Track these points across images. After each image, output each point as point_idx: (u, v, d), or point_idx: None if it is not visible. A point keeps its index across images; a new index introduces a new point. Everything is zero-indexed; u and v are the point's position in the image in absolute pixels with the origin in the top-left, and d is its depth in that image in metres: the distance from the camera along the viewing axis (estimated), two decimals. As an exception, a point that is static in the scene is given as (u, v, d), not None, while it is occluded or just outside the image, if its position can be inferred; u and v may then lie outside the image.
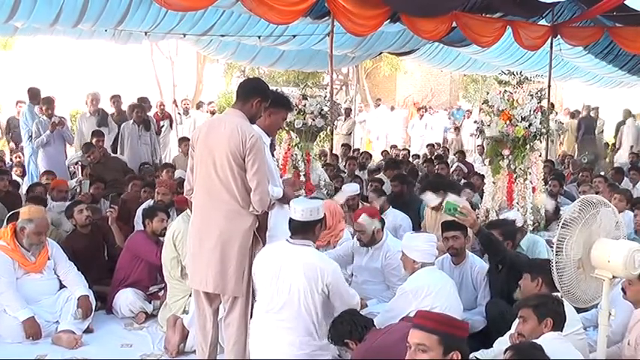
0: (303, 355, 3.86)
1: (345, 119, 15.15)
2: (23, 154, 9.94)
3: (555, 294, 3.63)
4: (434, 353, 2.85)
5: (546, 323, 3.44)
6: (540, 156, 6.74)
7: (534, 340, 3.30)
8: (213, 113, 13.31)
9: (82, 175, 8.52)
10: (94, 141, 9.01)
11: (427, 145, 14.59)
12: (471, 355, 3.99)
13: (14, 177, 9.13)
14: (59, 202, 6.97)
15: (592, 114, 15.45)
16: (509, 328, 3.96)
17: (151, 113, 11.18)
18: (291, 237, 3.97)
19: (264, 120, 4.26)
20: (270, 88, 4.35)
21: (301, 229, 3.94)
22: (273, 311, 3.88)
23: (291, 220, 3.97)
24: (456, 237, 4.97)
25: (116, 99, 10.52)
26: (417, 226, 6.79)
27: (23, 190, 8.10)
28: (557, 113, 14.81)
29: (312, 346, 3.91)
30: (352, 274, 5.57)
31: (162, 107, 12.16)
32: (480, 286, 4.98)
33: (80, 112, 10.41)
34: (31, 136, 9.10)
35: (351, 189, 6.90)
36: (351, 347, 3.95)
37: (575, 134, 15.63)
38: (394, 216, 6.65)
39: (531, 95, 6.21)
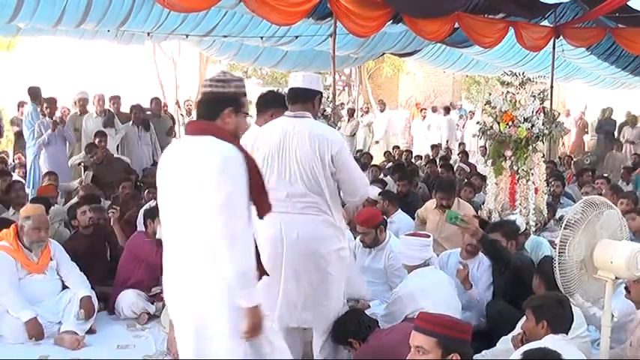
0: (324, 236, 3.70)
1: (348, 120, 15.12)
2: (24, 154, 9.97)
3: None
4: (432, 355, 2.86)
5: (542, 325, 3.45)
6: (543, 157, 6.75)
7: (538, 342, 3.31)
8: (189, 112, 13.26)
9: (84, 176, 8.54)
10: (96, 142, 9.02)
11: (432, 147, 14.57)
12: (475, 356, 4.00)
13: (17, 178, 9.13)
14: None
15: (612, 116, 15.52)
16: (508, 328, 3.99)
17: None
18: (289, 109, 3.89)
19: (265, 121, 4.26)
20: (272, 88, 4.36)
21: (301, 98, 3.86)
22: (283, 189, 3.71)
23: (290, 90, 3.92)
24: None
25: (115, 100, 10.45)
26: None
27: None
28: (559, 114, 14.85)
29: (332, 228, 3.75)
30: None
31: (165, 108, 12.18)
32: (481, 283, 5.00)
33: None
34: (34, 136, 9.14)
35: (373, 192, 7.05)
36: (355, 347, 3.96)
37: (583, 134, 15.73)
38: (399, 220, 6.64)
39: (534, 96, 6.21)
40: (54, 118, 9.06)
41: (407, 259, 4.53)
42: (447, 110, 18.30)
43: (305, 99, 3.88)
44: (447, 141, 16.82)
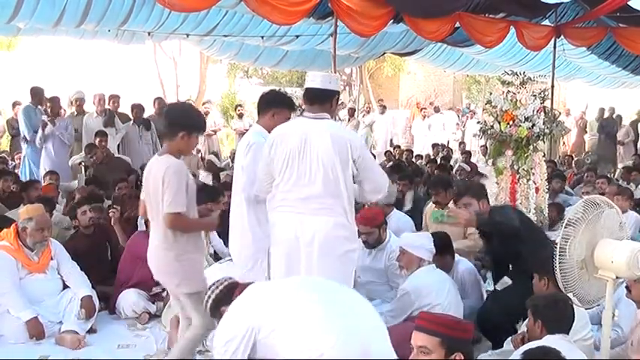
0: (336, 237, 3.74)
1: (349, 119, 15.10)
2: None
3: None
4: (436, 354, 2.85)
5: (538, 324, 3.47)
6: (544, 156, 6.75)
7: (538, 342, 3.31)
8: (206, 114, 13.16)
9: (86, 176, 8.52)
10: (96, 141, 9.02)
11: (433, 146, 14.57)
12: (481, 356, 4.01)
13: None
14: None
15: (613, 116, 15.56)
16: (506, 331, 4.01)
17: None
18: (307, 109, 3.89)
19: (267, 120, 4.25)
20: (273, 88, 4.36)
21: (318, 99, 3.87)
22: (300, 191, 3.73)
23: (307, 90, 3.91)
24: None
25: (114, 99, 10.38)
26: (420, 228, 6.79)
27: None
28: (560, 114, 14.87)
29: (345, 230, 3.78)
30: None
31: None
32: (468, 286, 5.00)
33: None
34: (25, 137, 9.14)
35: None
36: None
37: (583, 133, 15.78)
38: (397, 219, 6.64)
39: (534, 96, 6.22)
40: (42, 117, 9.03)
41: (418, 251, 4.55)
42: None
43: (322, 99, 3.88)
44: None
